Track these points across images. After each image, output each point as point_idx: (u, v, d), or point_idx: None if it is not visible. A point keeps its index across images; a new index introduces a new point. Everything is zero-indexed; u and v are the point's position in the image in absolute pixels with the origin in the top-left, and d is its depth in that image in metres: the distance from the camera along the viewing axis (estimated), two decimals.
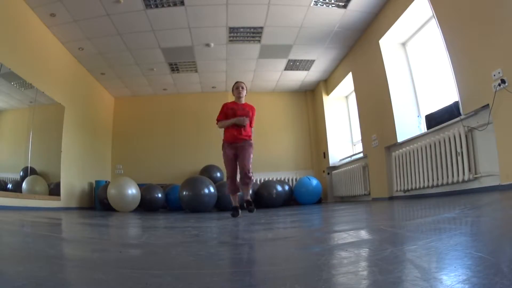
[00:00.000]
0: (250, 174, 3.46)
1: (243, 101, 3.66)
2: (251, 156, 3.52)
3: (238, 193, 3.58)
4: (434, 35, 4.10)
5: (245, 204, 3.56)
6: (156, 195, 5.80)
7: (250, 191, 3.61)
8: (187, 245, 1.49)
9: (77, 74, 6.12)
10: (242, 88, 3.66)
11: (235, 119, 3.46)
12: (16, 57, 4.21)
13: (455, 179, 3.51)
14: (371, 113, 5.48)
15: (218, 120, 3.59)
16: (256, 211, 3.73)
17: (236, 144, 3.48)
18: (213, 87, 7.67)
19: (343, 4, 4.74)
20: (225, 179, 6.98)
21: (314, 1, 4.67)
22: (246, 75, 7.12)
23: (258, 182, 6.95)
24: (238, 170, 3.54)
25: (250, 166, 3.48)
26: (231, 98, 8.64)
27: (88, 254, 1.26)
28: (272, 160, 7.78)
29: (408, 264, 0.80)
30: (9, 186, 4.30)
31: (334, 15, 5.01)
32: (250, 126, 3.59)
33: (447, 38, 3.54)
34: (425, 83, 4.64)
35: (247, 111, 3.58)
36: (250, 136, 3.56)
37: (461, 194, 3.41)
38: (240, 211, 3.43)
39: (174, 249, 1.38)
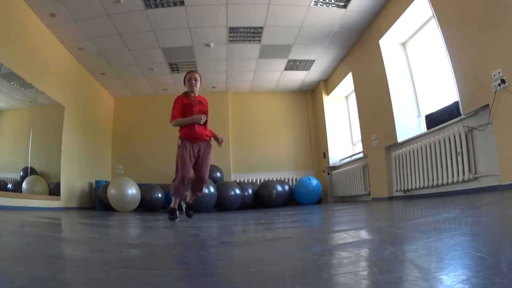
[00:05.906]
0: (205, 187, 3.11)
1: (197, 93, 3.18)
2: (210, 162, 3.16)
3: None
4: (434, 35, 4.10)
5: (184, 208, 3.10)
6: (156, 195, 5.80)
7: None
8: (187, 245, 1.49)
9: (77, 74, 6.12)
10: (196, 80, 3.14)
11: (195, 117, 2.98)
12: (16, 57, 4.20)
13: (455, 179, 3.51)
14: (371, 113, 5.48)
15: (174, 117, 3.06)
16: (256, 211, 3.70)
17: (199, 144, 3.04)
18: (213, 87, 7.67)
19: (343, 4, 4.74)
20: (225, 179, 6.99)
21: (314, 1, 4.67)
22: (246, 75, 7.13)
23: (258, 182, 6.96)
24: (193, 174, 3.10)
25: (207, 175, 3.14)
26: (231, 98, 8.49)
27: (88, 254, 1.26)
28: (272, 160, 7.79)
29: (408, 264, 0.80)
30: (9, 186, 4.30)
31: (334, 15, 5.01)
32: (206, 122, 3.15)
33: (447, 38, 3.54)
34: (425, 83, 4.64)
35: (204, 106, 3.14)
36: (210, 136, 3.18)
37: (461, 194, 3.41)
38: (178, 214, 3.00)
39: (174, 249, 1.39)
